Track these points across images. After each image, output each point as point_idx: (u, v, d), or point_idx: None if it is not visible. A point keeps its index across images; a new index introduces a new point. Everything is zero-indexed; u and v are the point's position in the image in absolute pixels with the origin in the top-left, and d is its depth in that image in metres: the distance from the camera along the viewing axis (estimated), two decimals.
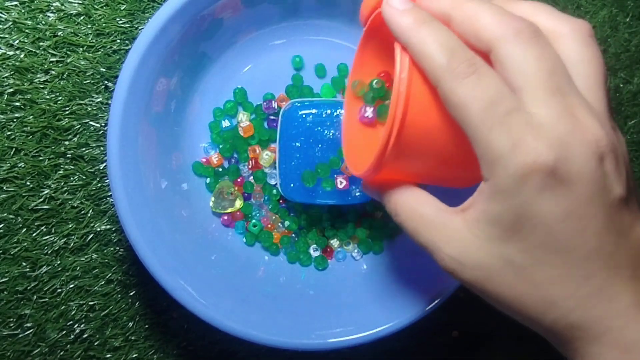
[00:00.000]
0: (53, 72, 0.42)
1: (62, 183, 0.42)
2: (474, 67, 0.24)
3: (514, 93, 0.24)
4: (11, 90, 0.42)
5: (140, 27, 0.43)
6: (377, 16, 0.29)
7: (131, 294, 0.43)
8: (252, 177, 0.42)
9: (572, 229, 0.23)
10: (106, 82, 0.43)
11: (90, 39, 0.42)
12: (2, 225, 0.42)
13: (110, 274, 0.43)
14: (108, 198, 0.43)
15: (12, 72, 0.42)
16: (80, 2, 0.42)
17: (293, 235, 0.42)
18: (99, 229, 0.43)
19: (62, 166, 0.42)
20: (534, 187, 0.23)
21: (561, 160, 0.23)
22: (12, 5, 0.42)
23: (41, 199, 0.42)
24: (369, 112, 0.33)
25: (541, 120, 0.23)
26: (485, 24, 0.25)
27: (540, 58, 0.24)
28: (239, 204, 0.42)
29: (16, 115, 0.42)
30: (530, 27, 0.24)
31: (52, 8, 0.42)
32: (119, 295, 0.43)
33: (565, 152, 0.23)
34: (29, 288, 0.42)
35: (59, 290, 0.43)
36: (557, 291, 0.24)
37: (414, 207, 0.28)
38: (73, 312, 0.43)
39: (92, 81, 0.43)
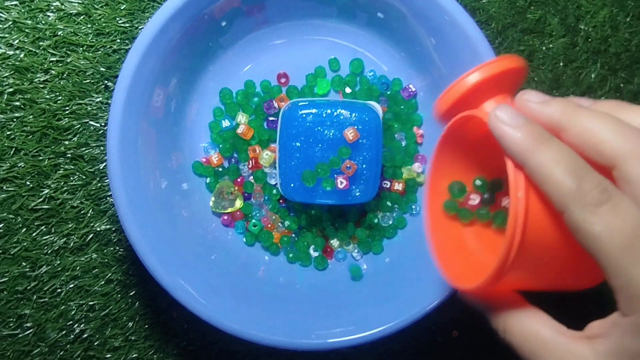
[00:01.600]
0: (53, 72, 0.42)
1: (62, 183, 0.42)
2: (608, 194, 0.22)
3: None
4: (11, 90, 0.42)
5: (140, 27, 0.43)
6: (461, 118, 0.28)
7: (131, 294, 0.43)
8: (252, 177, 0.42)
9: None
10: (106, 81, 0.43)
11: (90, 38, 0.42)
12: (2, 225, 0.42)
13: (110, 274, 0.43)
14: (108, 198, 0.43)
15: (12, 72, 0.42)
16: (80, 1, 0.42)
17: (293, 235, 0.42)
18: (99, 229, 0.43)
19: (62, 166, 0.42)
20: None
21: None
22: (12, 5, 0.42)
23: (41, 199, 0.42)
24: (476, 200, 0.32)
25: None
26: (607, 138, 0.23)
27: None
28: (239, 204, 0.42)
29: (16, 115, 0.42)
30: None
31: (52, 8, 0.42)
32: (119, 295, 0.43)
33: None
34: (28, 288, 0.42)
35: (59, 290, 0.43)
36: None
37: (532, 329, 0.26)
38: (73, 312, 0.43)
39: (92, 81, 0.43)
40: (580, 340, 0.25)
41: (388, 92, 0.42)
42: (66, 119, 0.42)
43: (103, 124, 0.43)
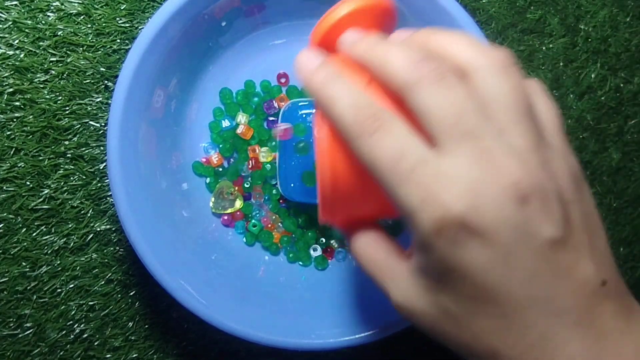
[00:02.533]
0: (53, 72, 0.42)
1: (62, 183, 0.42)
2: (379, 122, 0.24)
3: (426, 143, 0.23)
4: (11, 90, 0.42)
5: (140, 27, 0.43)
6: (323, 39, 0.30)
7: (131, 294, 0.43)
8: (251, 177, 0.42)
9: (497, 280, 0.22)
10: (106, 81, 0.43)
11: (90, 38, 0.42)
12: (2, 225, 0.42)
13: (110, 274, 0.43)
14: (108, 198, 0.43)
15: (12, 72, 0.42)
16: (80, 1, 0.42)
17: (293, 235, 0.42)
18: (99, 229, 0.43)
19: (62, 166, 0.42)
20: (447, 241, 0.22)
21: (471, 210, 0.21)
22: (12, 5, 0.42)
23: (41, 199, 0.42)
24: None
25: (449, 170, 0.22)
26: (394, 69, 0.24)
27: (446, 101, 0.23)
28: (239, 204, 0.42)
29: (16, 115, 0.42)
30: (437, 67, 0.23)
31: (52, 8, 0.42)
32: (119, 295, 0.43)
33: (476, 202, 0.22)
34: (28, 288, 0.42)
35: (59, 290, 0.43)
36: (498, 342, 0.23)
37: (367, 251, 0.28)
38: (73, 312, 0.43)
39: (92, 81, 0.43)
40: (400, 260, 0.27)
41: None
42: (66, 119, 0.42)
43: (103, 124, 0.43)
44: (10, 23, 0.42)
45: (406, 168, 0.23)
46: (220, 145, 0.42)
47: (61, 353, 0.43)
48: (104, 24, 0.42)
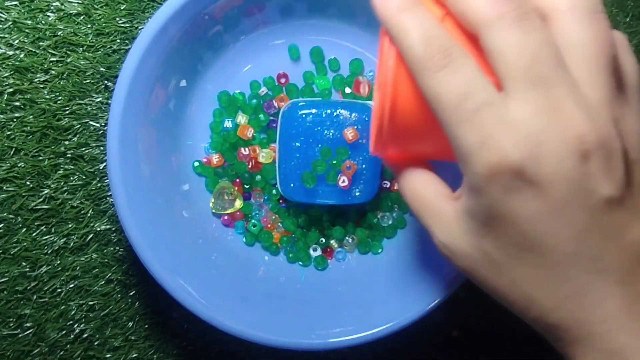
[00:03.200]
0: (53, 72, 0.42)
1: (62, 183, 0.42)
2: (449, 59, 0.23)
3: (494, 85, 0.23)
4: (11, 90, 0.42)
5: (140, 27, 0.43)
6: None
7: (131, 294, 0.43)
8: (251, 177, 0.42)
9: (545, 232, 0.22)
10: (106, 82, 0.43)
11: (90, 38, 0.42)
12: (2, 225, 0.42)
13: (110, 274, 0.43)
14: (108, 198, 0.43)
15: (12, 72, 0.42)
16: (80, 1, 0.42)
17: (293, 235, 0.42)
18: (99, 229, 0.43)
19: (62, 166, 0.42)
20: (500, 187, 0.22)
21: (530, 160, 0.21)
22: (12, 5, 0.42)
23: (41, 199, 0.42)
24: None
25: (515, 115, 0.22)
26: (473, 4, 0.23)
27: (522, 44, 0.22)
28: (238, 204, 0.42)
29: (16, 115, 0.42)
30: (518, 8, 0.22)
31: (52, 8, 0.42)
32: (119, 295, 0.43)
33: (536, 151, 0.21)
34: (28, 288, 0.42)
35: (59, 290, 0.43)
36: (535, 290, 0.23)
37: (416, 189, 0.28)
38: (73, 312, 0.43)
39: (92, 81, 0.43)
40: (450, 201, 0.26)
41: None
42: (66, 119, 0.42)
43: (103, 124, 0.43)
44: (10, 23, 0.42)
45: (470, 108, 0.22)
46: (221, 146, 0.42)
47: (61, 353, 0.43)
48: (104, 24, 0.42)
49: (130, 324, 0.43)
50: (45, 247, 0.42)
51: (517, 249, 0.23)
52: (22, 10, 0.42)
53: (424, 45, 0.23)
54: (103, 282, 0.43)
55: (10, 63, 0.42)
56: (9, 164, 0.42)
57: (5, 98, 0.42)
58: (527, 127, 0.22)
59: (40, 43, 0.42)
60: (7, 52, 0.42)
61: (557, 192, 0.22)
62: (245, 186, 0.42)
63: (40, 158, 0.42)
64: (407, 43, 0.24)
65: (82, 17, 0.42)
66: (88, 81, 0.43)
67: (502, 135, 0.22)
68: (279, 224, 0.42)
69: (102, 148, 0.43)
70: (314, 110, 0.39)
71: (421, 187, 0.28)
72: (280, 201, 0.42)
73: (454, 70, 0.23)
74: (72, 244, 0.43)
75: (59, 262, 0.42)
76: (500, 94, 0.22)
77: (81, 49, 0.42)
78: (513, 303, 0.25)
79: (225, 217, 0.42)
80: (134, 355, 0.43)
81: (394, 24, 0.24)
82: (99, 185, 0.43)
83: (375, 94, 0.34)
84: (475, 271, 0.25)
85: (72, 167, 0.42)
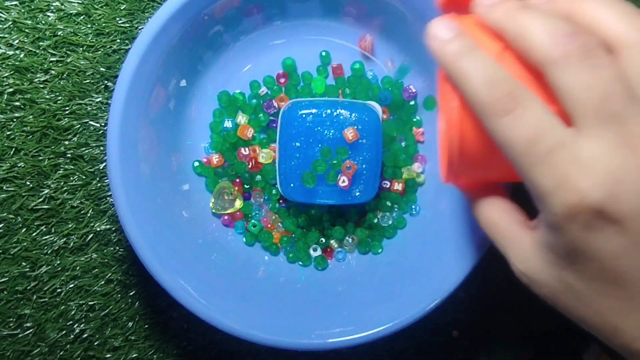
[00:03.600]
0: (53, 72, 0.42)
1: (62, 183, 0.42)
2: (515, 102, 0.23)
3: (564, 124, 0.22)
4: (11, 90, 0.42)
5: (140, 27, 0.43)
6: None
7: (131, 294, 0.43)
8: (251, 177, 0.42)
9: (628, 265, 0.22)
10: (106, 82, 0.43)
11: (90, 38, 0.42)
12: (2, 225, 0.42)
13: (110, 274, 0.43)
14: (108, 198, 0.43)
15: (12, 72, 0.42)
16: (80, 1, 0.42)
17: (293, 235, 0.42)
18: (99, 229, 0.43)
19: (62, 166, 0.42)
20: (581, 226, 0.22)
21: (609, 199, 0.21)
22: (12, 5, 0.42)
23: (41, 199, 0.42)
24: None
25: (590, 154, 0.22)
26: (536, 42, 0.23)
27: (592, 82, 0.22)
28: (238, 204, 0.42)
29: (16, 115, 0.42)
30: (584, 45, 0.22)
31: (52, 8, 0.42)
32: (119, 295, 0.43)
33: (615, 189, 0.21)
34: (28, 288, 0.42)
35: (59, 290, 0.43)
36: (620, 320, 0.24)
37: (491, 218, 0.29)
38: (73, 312, 0.43)
39: (92, 81, 0.43)
40: (526, 230, 0.27)
41: (389, 102, 0.42)
42: (66, 119, 0.42)
43: (103, 124, 0.43)
44: (10, 23, 0.42)
45: (542, 151, 0.22)
46: (221, 146, 0.42)
47: (61, 353, 0.43)
48: (104, 24, 0.42)
49: (130, 324, 0.43)
50: (45, 247, 0.42)
51: (599, 282, 0.23)
52: (22, 10, 0.42)
53: (488, 90, 0.23)
54: (103, 282, 0.43)
55: (10, 63, 0.42)
56: (9, 164, 0.42)
57: (5, 98, 0.42)
58: (604, 166, 0.21)
59: (40, 43, 0.42)
60: (7, 52, 0.42)
61: (638, 227, 0.22)
62: (245, 186, 0.42)
63: (40, 158, 0.42)
64: (471, 89, 0.24)
65: (82, 17, 0.42)
66: (88, 81, 0.43)
67: (579, 175, 0.22)
68: (279, 224, 0.42)
69: (102, 148, 0.43)
70: (314, 110, 0.39)
71: (496, 216, 0.28)
72: (280, 201, 0.42)
73: (521, 114, 0.23)
74: (72, 244, 0.43)
75: (59, 262, 0.42)
76: (570, 130, 0.22)
77: (81, 49, 0.42)
78: (598, 331, 0.25)
79: (225, 217, 0.42)
80: (134, 355, 0.43)
81: (455, 70, 0.24)
82: (99, 185, 0.43)
83: (440, 122, 0.34)
84: (557, 299, 0.25)
85: (72, 167, 0.42)
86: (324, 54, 0.42)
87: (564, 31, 0.22)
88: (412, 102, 0.42)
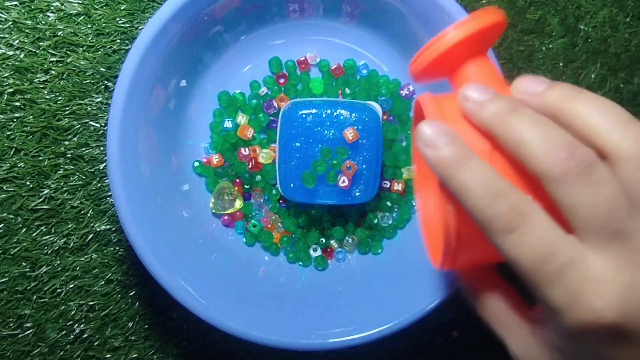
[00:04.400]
0: (53, 72, 0.42)
1: (62, 183, 0.42)
2: (520, 219, 0.22)
3: (567, 233, 0.22)
4: (11, 90, 0.42)
5: (140, 27, 0.43)
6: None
7: (131, 294, 0.43)
8: (251, 177, 0.42)
9: None
10: (106, 82, 0.43)
11: (90, 38, 0.42)
12: (2, 225, 0.42)
13: (110, 274, 0.43)
14: (108, 198, 0.43)
15: (12, 72, 0.42)
16: (80, 2, 0.42)
17: (293, 235, 0.42)
18: (99, 229, 0.43)
19: (62, 166, 0.42)
20: (595, 340, 0.22)
21: (623, 318, 0.21)
22: (12, 5, 0.42)
23: (41, 199, 0.42)
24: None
25: (600, 272, 0.22)
26: (533, 155, 0.22)
27: (595, 200, 0.22)
28: (238, 204, 0.42)
29: (16, 115, 0.42)
30: (584, 160, 0.22)
31: (52, 8, 0.42)
32: (119, 295, 0.43)
33: (627, 307, 0.21)
34: (28, 288, 0.42)
35: (59, 290, 0.43)
36: None
37: (491, 311, 0.29)
38: (73, 312, 0.43)
39: (92, 81, 0.43)
40: (526, 322, 0.27)
41: (384, 93, 0.42)
42: (66, 119, 0.42)
43: (103, 124, 0.43)
44: (10, 23, 0.42)
45: (553, 270, 0.22)
46: (221, 147, 0.42)
47: (61, 353, 0.43)
48: (104, 24, 0.42)
49: (130, 324, 0.43)
50: (45, 247, 0.42)
51: None
52: (22, 10, 0.42)
53: (490, 206, 0.22)
54: (103, 283, 0.43)
55: (10, 63, 0.42)
56: (9, 164, 0.42)
57: (5, 98, 0.42)
58: (615, 283, 0.22)
59: (40, 43, 0.42)
60: (7, 52, 0.42)
61: None
62: (245, 186, 0.42)
63: (40, 158, 0.42)
64: (472, 204, 0.23)
65: (82, 17, 0.42)
66: (88, 81, 0.43)
67: (592, 294, 0.22)
68: (279, 224, 0.42)
69: (102, 148, 0.43)
70: (314, 110, 0.39)
71: (496, 308, 0.28)
72: (280, 201, 0.42)
73: (528, 231, 0.22)
74: (72, 244, 0.43)
75: (59, 262, 0.42)
76: (576, 244, 0.22)
77: (81, 49, 0.42)
78: None
79: (225, 217, 0.42)
80: (134, 355, 0.43)
81: (452, 182, 0.23)
82: (99, 185, 0.43)
83: (419, 203, 0.34)
84: None
85: (72, 167, 0.42)
86: (323, 63, 0.42)
87: (561, 143, 0.22)
88: (410, 101, 0.42)
